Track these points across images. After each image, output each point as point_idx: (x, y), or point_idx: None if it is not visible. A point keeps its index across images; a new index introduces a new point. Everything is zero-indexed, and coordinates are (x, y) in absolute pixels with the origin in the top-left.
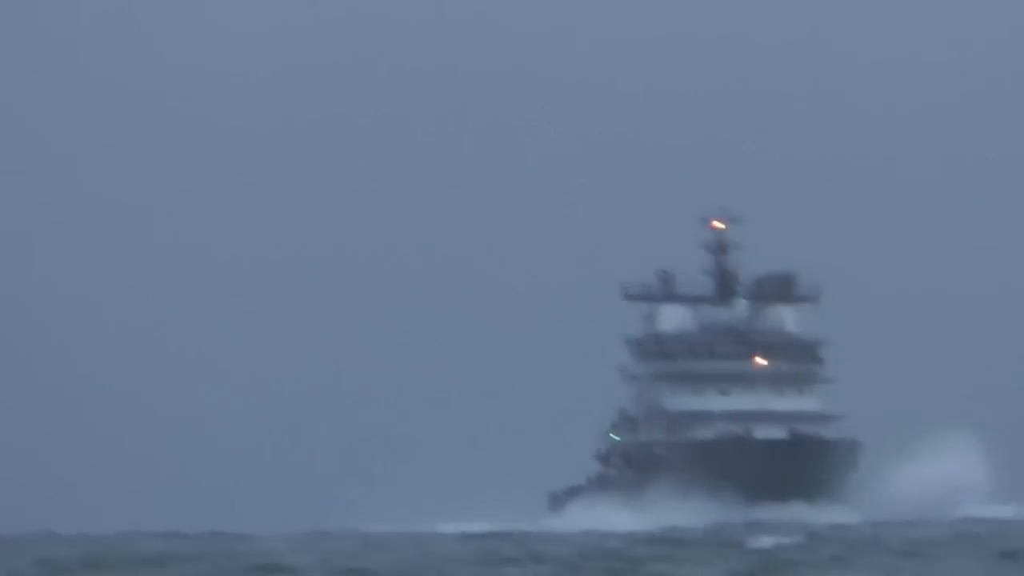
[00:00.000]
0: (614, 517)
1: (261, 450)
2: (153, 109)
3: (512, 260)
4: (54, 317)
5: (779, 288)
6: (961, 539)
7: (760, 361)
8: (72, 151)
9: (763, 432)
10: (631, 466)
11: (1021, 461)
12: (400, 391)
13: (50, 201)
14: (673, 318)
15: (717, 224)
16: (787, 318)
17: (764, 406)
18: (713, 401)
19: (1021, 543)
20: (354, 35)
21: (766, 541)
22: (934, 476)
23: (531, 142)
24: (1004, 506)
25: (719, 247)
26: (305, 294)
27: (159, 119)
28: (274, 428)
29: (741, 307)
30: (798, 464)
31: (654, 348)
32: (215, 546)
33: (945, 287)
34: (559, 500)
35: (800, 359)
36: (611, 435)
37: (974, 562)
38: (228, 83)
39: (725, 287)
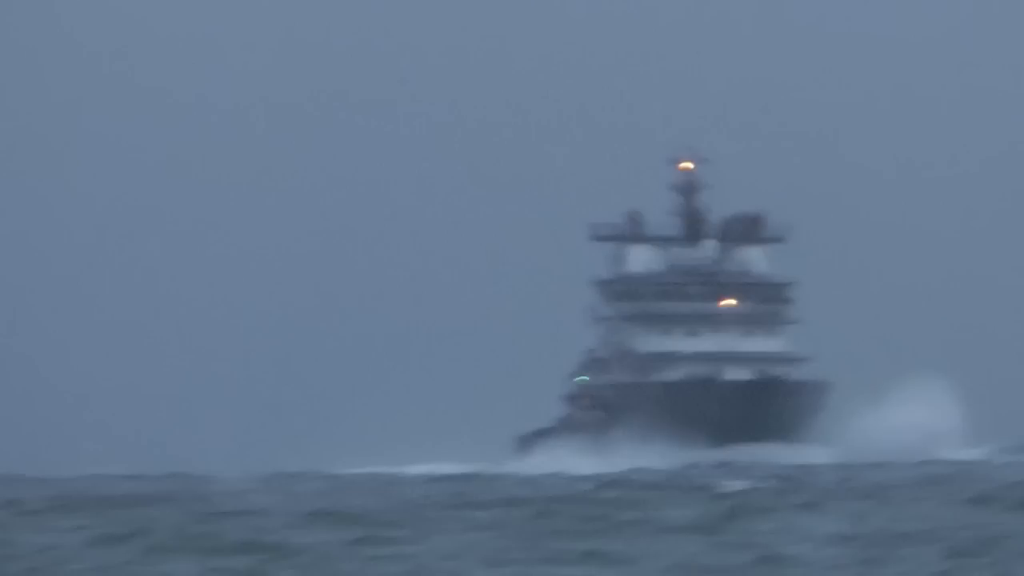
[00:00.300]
0: (581, 459)
1: (226, 390)
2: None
3: (479, 200)
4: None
5: (747, 229)
6: (932, 483)
7: (728, 302)
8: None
9: (731, 373)
10: (599, 408)
11: (993, 404)
12: (367, 332)
13: None
14: (641, 259)
15: (685, 164)
16: (755, 259)
17: (732, 347)
18: (681, 342)
19: (990, 487)
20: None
21: (736, 484)
22: (907, 423)
23: (498, 79)
24: (975, 450)
25: (687, 187)
26: (269, 235)
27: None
28: (239, 368)
29: (710, 248)
30: (765, 405)
31: (622, 289)
32: (180, 487)
33: (916, 227)
34: (527, 442)
35: (769, 300)
36: (579, 377)
37: (944, 507)
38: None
39: (693, 228)
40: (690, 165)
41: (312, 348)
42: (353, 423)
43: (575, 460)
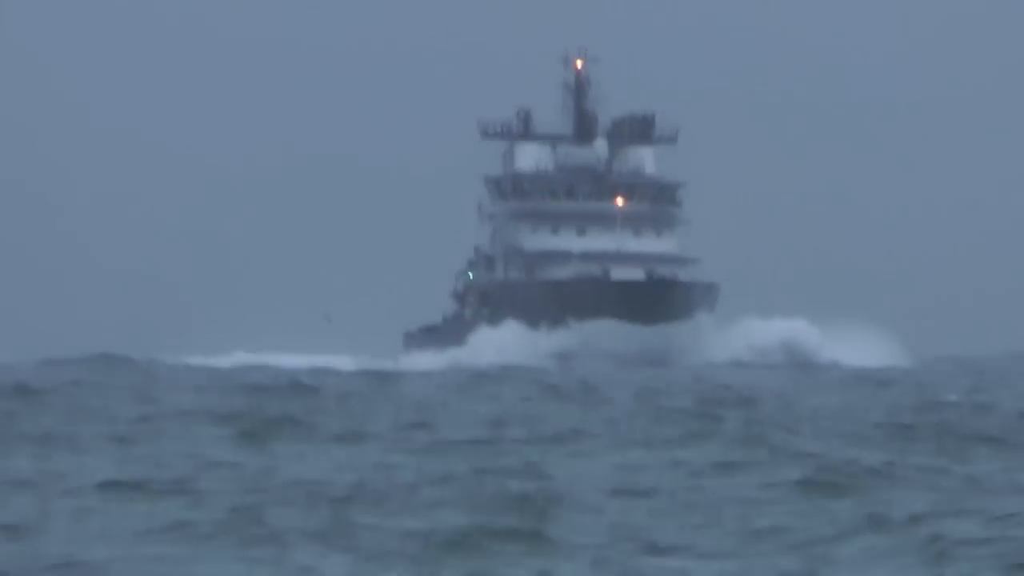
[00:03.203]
0: (468, 355)
1: (106, 273)
2: None
3: (369, 95)
4: None
5: (638, 129)
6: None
7: (618, 202)
8: None
9: (620, 273)
10: (487, 305)
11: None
12: (254, 225)
13: None
14: (531, 157)
15: (577, 63)
16: (646, 159)
17: (621, 247)
18: (570, 241)
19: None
20: None
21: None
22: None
23: None
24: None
25: (578, 86)
26: (172, 131)
27: None
28: (123, 255)
29: (600, 147)
30: (653, 304)
31: (511, 187)
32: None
33: (802, 131)
34: (414, 338)
35: (658, 201)
36: (468, 274)
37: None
38: None
39: (584, 127)
40: (581, 64)
41: (202, 238)
42: (236, 314)
43: (464, 356)
